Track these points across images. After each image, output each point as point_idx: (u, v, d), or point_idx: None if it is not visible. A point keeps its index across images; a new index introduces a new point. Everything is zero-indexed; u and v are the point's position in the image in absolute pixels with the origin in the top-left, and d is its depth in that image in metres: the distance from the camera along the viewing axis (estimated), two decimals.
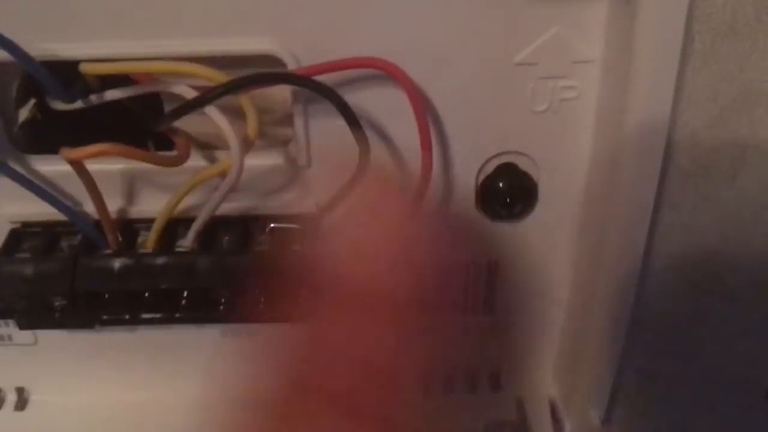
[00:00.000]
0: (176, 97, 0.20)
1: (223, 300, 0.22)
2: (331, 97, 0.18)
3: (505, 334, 0.26)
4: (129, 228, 0.22)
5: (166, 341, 0.26)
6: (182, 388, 0.26)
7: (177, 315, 0.22)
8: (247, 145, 0.19)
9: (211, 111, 0.18)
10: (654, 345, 0.27)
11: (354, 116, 0.19)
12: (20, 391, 0.27)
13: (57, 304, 0.22)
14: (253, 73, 0.19)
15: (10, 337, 0.26)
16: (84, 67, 0.19)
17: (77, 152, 0.18)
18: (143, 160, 0.19)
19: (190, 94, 0.19)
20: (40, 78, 0.18)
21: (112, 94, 0.20)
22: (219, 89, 0.18)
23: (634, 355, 0.27)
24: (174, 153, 0.20)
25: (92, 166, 0.20)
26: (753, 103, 0.22)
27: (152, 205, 0.22)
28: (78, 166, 0.19)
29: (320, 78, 0.19)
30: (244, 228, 0.23)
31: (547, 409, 0.27)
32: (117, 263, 0.22)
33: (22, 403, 0.27)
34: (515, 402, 0.27)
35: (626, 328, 0.25)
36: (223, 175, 0.20)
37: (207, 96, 0.18)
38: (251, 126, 0.19)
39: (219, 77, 0.18)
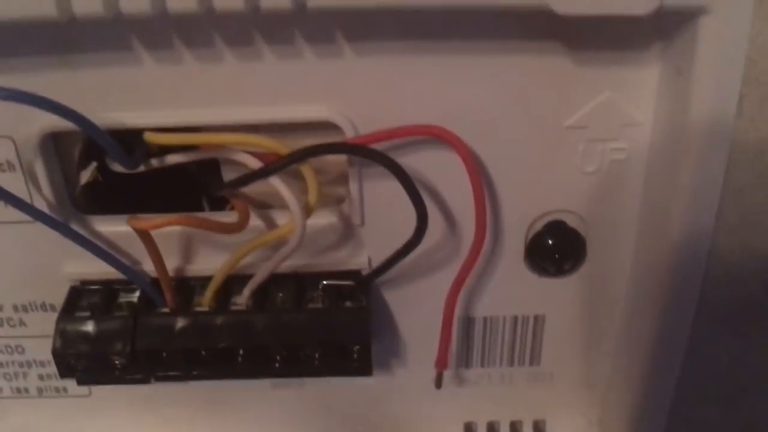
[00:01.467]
0: (235, 161, 0.21)
1: (278, 357, 0.22)
2: (389, 165, 0.19)
3: (551, 384, 0.27)
4: (185, 285, 0.23)
5: (217, 394, 0.26)
6: None
7: (232, 371, 0.23)
8: (307, 211, 0.19)
9: (275, 181, 0.19)
10: (695, 393, 0.27)
11: (411, 182, 0.19)
12: None
13: (117, 361, 0.22)
14: (315, 145, 0.19)
15: (65, 389, 0.26)
16: (148, 137, 0.20)
17: (145, 223, 0.19)
18: (207, 228, 0.20)
19: (251, 161, 0.20)
20: (106, 146, 0.19)
21: (172, 159, 0.21)
22: (284, 161, 0.18)
23: (675, 401, 0.27)
24: (234, 220, 0.21)
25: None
26: None
27: (208, 264, 0.23)
28: (144, 236, 0.20)
29: (377, 144, 0.20)
30: (297, 284, 0.23)
31: None
32: (176, 322, 0.22)
33: None
34: None
35: (674, 384, 0.25)
36: (282, 238, 0.20)
37: (272, 167, 0.19)
38: (312, 194, 0.19)
39: (281, 149, 0.19)
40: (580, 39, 0.19)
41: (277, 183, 0.19)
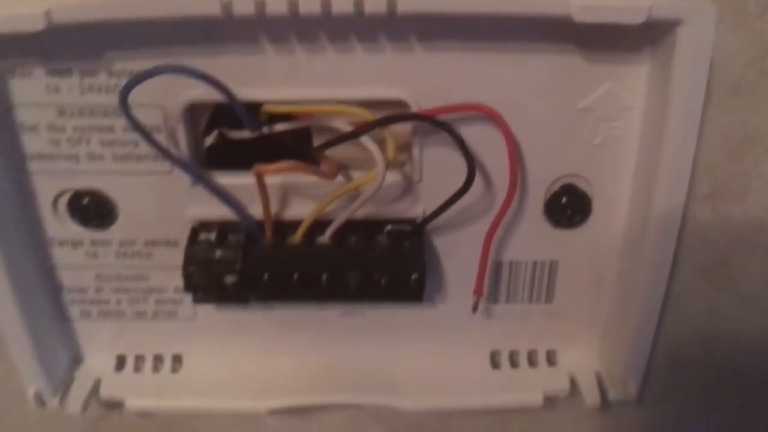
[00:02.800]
0: (327, 129, 0.28)
1: (352, 283, 0.29)
2: (449, 130, 0.26)
3: (562, 320, 0.33)
4: (281, 226, 0.30)
5: (295, 320, 0.33)
6: (305, 356, 0.33)
7: (316, 293, 0.29)
8: (387, 163, 0.26)
9: (365, 139, 0.26)
10: (677, 336, 0.34)
11: (464, 142, 0.26)
12: (177, 357, 0.34)
13: (228, 281, 0.29)
14: (397, 113, 0.26)
15: (175, 313, 0.33)
16: (268, 108, 0.27)
17: (268, 168, 0.26)
18: (311, 174, 0.27)
19: (344, 127, 0.27)
20: (242, 115, 0.26)
21: (280, 127, 0.28)
22: (372, 124, 0.25)
23: (661, 344, 0.34)
24: (330, 169, 0.27)
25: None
26: (754, 146, 0.29)
27: (300, 210, 0.29)
28: (260, 178, 0.27)
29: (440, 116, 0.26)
30: (367, 228, 0.30)
31: (595, 381, 0.33)
32: (274, 253, 0.29)
33: (176, 367, 0.34)
34: (568, 375, 0.33)
35: (657, 320, 0.32)
36: (362, 187, 0.27)
37: (363, 129, 0.25)
38: (390, 150, 0.26)
39: (369, 116, 0.26)
40: (590, 43, 0.26)
41: (366, 141, 0.26)
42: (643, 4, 0.23)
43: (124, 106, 0.25)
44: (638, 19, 0.24)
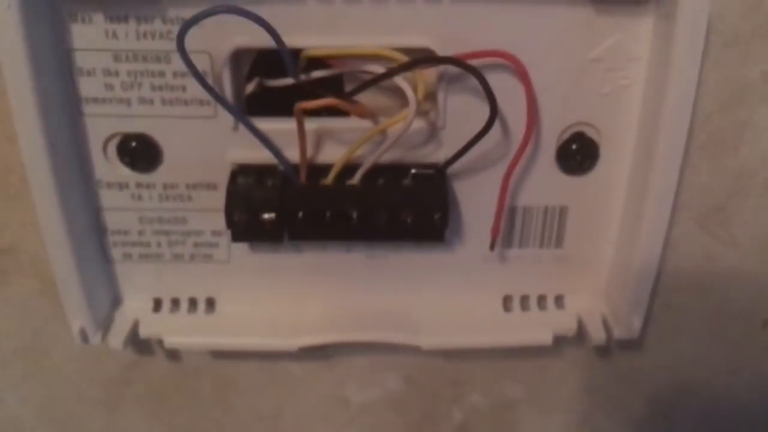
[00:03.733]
0: (360, 78, 0.30)
1: (380, 221, 0.32)
2: (476, 73, 0.28)
3: (570, 264, 0.36)
4: (314, 168, 0.32)
5: (323, 264, 0.35)
6: (332, 298, 0.35)
7: (347, 232, 0.32)
8: (418, 103, 0.29)
9: (398, 80, 0.28)
10: (675, 282, 0.36)
11: (488, 85, 0.29)
12: (210, 300, 0.36)
13: (266, 218, 0.31)
14: (429, 56, 0.29)
15: (211, 256, 0.35)
16: (310, 52, 0.29)
17: (309, 104, 0.28)
18: (348, 110, 0.29)
19: (379, 71, 0.29)
20: (286, 58, 0.28)
21: (317, 73, 0.30)
22: (406, 65, 0.28)
23: (661, 290, 0.36)
24: (363, 109, 0.30)
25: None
26: (748, 96, 0.31)
27: (332, 154, 0.32)
28: (300, 117, 0.29)
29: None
30: (394, 171, 0.32)
31: (601, 321, 0.36)
32: (309, 191, 0.31)
33: (210, 309, 0.36)
34: (576, 317, 0.36)
35: (658, 264, 0.34)
36: (391, 128, 0.30)
37: (398, 68, 0.28)
38: (421, 90, 0.29)
39: (403, 58, 0.28)
40: None
41: (399, 81, 0.28)
42: None
43: (181, 46, 0.27)
44: None
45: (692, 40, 0.29)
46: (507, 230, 0.34)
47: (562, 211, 0.34)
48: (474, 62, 0.29)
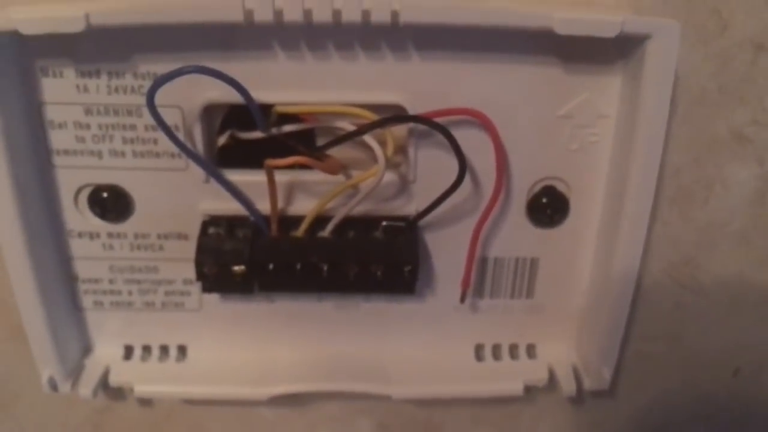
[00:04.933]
0: (330, 132, 0.31)
1: (351, 274, 0.32)
2: (444, 132, 0.28)
3: (541, 314, 0.36)
4: (285, 220, 0.32)
5: (294, 312, 0.35)
6: (303, 347, 0.35)
7: (318, 284, 0.32)
8: (387, 160, 0.29)
9: (368, 138, 0.28)
10: (646, 331, 0.37)
11: (457, 143, 0.29)
12: (182, 348, 0.36)
13: (236, 270, 0.31)
14: (398, 115, 0.29)
15: (182, 304, 0.35)
16: (279, 109, 0.30)
17: (279, 161, 0.29)
18: (318, 167, 0.29)
19: (348, 128, 0.30)
20: (256, 115, 0.29)
21: (288, 128, 0.31)
22: (376, 123, 0.28)
23: (632, 338, 0.37)
24: (333, 165, 0.30)
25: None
26: (715, 152, 0.32)
27: (303, 206, 0.32)
28: (270, 172, 0.29)
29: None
30: (365, 224, 0.32)
31: (572, 372, 0.36)
32: (279, 244, 0.31)
33: (181, 357, 0.36)
34: (547, 367, 0.36)
35: (628, 314, 0.35)
36: (362, 183, 0.30)
37: (367, 127, 0.28)
38: (390, 148, 0.29)
39: (372, 117, 0.29)
40: (569, 56, 0.29)
41: (368, 139, 0.28)
42: (617, 20, 0.27)
43: (151, 102, 0.27)
44: (612, 32, 0.27)
45: (659, 99, 0.29)
46: (478, 281, 0.34)
47: (533, 263, 0.34)
48: (444, 119, 0.29)
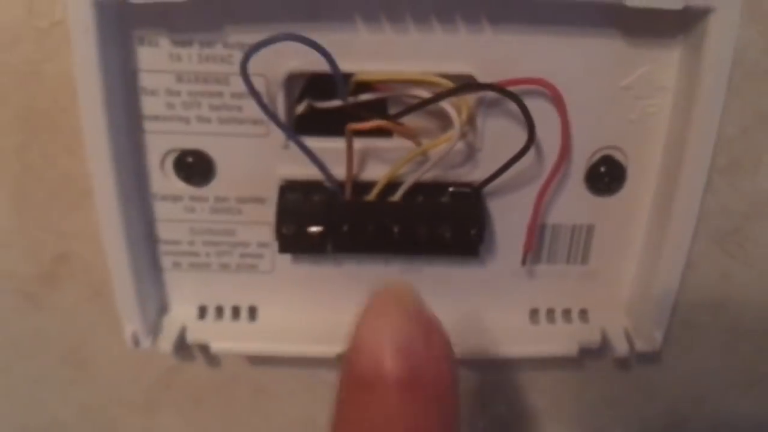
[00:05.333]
0: (404, 101, 0.33)
1: (420, 235, 0.34)
2: (516, 99, 0.30)
3: (595, 280, 0.38)
4: (359, 185, 0.34)
5: (361, 275, 0.37)
6: None
7: (389, 245, 0.34)
8: (462, 126, 0.31)
9: (444, 104, 0.30)
10: (692, 298, 0.38)
11: (530, 114, 0.31)
12: (252, 308, 0.38)
13: (313, 230, 0.33)
14: (473, 82, 0.31)
15: (256, 266, 0.37)
16: (361, 76, 0.32)
17: (360, 126, 0.31)
18: (398, 131, 0.31)
19: (424, 95, 0.31)
20: (339, 82, 0.31)
21: (365, 96, 0.33)
22: (453, 90, 0.30)
23: (678, 306, 0.38)
24: (411, 130, 0.32)
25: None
26: (765, 124, 0.34)
27: (375, 172, 0.34)
28: (350, 137, 0.31)
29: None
30: (434, 189, 0.34)
31: (624, 335, 0.38)
32: (355, 206, 0.33)
33: (252, 318, 0.38)
34: (600, 330, 0.38)
35: (678, 282, 0.36)
36: (426, 152, 0.32)
37: (444, 93, 0.30)
38: (464, 116, 0.31)
39: (449, 84, 0.31)
40: (632, 29, 0.31)
41: (445, 105, 0.30)
42: None
43: (244, 71, 0.29)
44: (678, 5, 0.29)
45: (718, 73, 0.31)
46: (536, 246, 0.36)
47: (589, 230, 0.36)
48: (514, 88, 0.31)
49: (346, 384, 0.22)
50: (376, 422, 0.20)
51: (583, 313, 0.38)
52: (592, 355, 0.38)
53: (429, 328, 0.23)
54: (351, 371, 0.22)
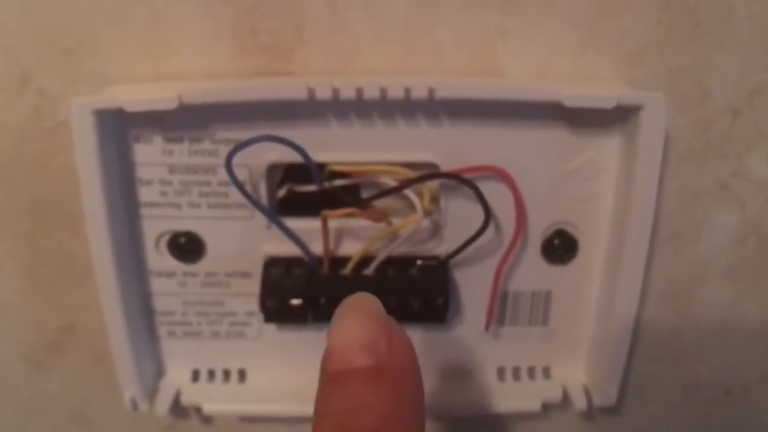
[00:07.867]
0: (374, 185, 0.36)
1: (391, 305, 0.37)
2: (472, 186, 0.34)
3: (555, 340, 0.41)
4: (335, 261, 0.38)
5: None
6: None
7: None
8: (425, 211, 0.35)
9: (408, 192, 0.34)
10: (647, 354, 0.42)
11: (483, 196, 0.34)
12: (242, 371, 0.42)
13: (294, 303, 0.37)
14: (435, 172, 0.35)
15: (243, 334, 0.41)
16: (332, 167, 0.35)
17: (333, 212, 0.34)
18: (365, 217, 0.35)
19: (389, 183, 0.35)
20: (313, 172, 0.34)
21: (339, 182, 0.36)
22: (415, 180, 0.34)
23: (634, 361, 0.42)
24: (377, 214, 0.36)
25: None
26: (702, 199, 0.37)
27: (350, 248, 0.38)
28: (325, 221, 0.35)
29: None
30: (402, 263, 0.38)
31: (582, 390, 0.41)
32: (332, 281, 0.37)
33: (242, 380, 0.42)
34: (561, 387, 0.41)
35: (630, 340, 0.40)
36: (402, 229, 0.36)
37: (407, 183, 0.34)
38: (426, 201, 0.35)
39: (411, 174, 0.34)
40: (575, 121, 0.35)
41: (408, 193, 0.34)
42: (614, 94, 0.32)
43: (229, 165, 0.33)
44: (610, 104, 0.32)
45: (652, 157, 0.34)
46: (500, 311, 0.40)
47: (548, 295, 0.39)
48: (471, 174, 0.35)
49: (321, 383, 0.25)
50: (354, 410, 0.22)
51: (546, 371, 0.41)
52: (556, 407, 0.42)
53: (390, 330, 0.26)
54: (325, 371, 0.26)
